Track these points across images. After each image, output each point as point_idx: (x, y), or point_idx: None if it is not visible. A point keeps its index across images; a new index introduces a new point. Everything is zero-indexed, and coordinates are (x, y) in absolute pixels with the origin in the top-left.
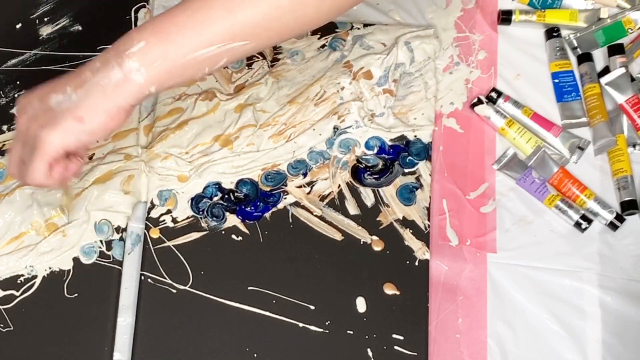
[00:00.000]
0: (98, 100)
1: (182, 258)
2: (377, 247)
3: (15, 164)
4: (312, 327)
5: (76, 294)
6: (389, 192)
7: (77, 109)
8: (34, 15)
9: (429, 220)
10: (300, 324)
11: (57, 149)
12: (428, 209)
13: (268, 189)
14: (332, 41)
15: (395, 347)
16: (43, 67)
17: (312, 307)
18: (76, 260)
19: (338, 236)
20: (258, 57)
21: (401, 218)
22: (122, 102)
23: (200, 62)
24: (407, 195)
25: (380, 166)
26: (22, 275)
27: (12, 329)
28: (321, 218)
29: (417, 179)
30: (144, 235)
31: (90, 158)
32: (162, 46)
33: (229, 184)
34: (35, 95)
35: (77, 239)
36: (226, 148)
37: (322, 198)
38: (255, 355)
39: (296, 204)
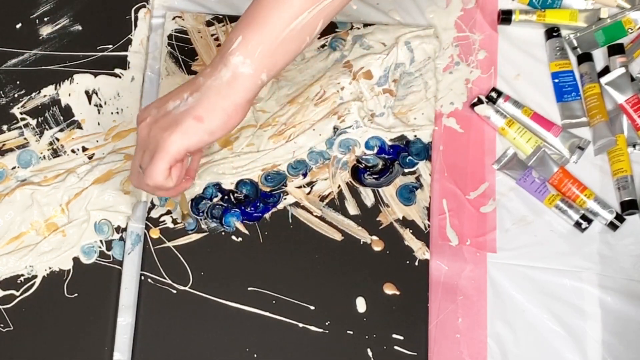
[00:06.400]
0: (215, 100)
1: (182, 258)
2: (377, 247)
3: (135, 170)
4: (312, 327)
5: (76, 294)
6: (389, 192)
7: (195, 110)
8: (34, 15)
9: (429, 220)
10: (300, 324)
11: (179, 149)
12: (428, 209)
13: (268, 189)
14: (332, 41)
15: (395, 347)
16: (43, 67)
17: (312, 307)
18: (76, 260)
19: (338, 236)
20: None
21: (401, 218)
22: (238, 99)
23: (298, 34)
24: (407, 195)
25: (380, 166)
26: (22, 275)
27: (12, 329)
28: (321, 218)
29: (417, 178)
30: (144, 235)
31: (90, 158)
32: (258, 33)
33: (228, 184)
34: (152, 105)
35: (77, 239)
36: (226, 148)
37: (322, 198)
38: (255, 355)
39: (296, 204)
